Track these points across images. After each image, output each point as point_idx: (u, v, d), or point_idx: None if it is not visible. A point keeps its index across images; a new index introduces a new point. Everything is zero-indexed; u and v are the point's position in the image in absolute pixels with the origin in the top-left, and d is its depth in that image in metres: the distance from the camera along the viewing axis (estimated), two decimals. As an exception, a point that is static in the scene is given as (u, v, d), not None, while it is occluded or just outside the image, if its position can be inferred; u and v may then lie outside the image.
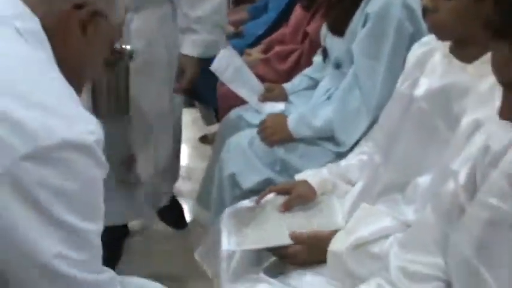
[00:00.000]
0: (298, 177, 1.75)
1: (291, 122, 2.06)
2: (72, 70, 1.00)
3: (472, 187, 1.12)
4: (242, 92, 2.32)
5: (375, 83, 1.89)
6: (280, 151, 2.07)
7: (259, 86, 2.35)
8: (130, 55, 1.94)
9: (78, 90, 1.02)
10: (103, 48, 1.07)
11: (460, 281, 1.12)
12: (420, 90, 1.42)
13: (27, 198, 0.84)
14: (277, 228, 1.57)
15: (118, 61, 1.90)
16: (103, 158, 0.92)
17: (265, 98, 2.32)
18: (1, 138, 0.83)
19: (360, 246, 1.39)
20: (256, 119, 2.22)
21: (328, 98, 2.11)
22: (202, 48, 2.20)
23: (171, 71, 2.24)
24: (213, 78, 2.46)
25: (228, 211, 1.73)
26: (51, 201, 0.85)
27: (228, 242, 1.58)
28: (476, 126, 1.16)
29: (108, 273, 0.98)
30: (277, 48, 2.68)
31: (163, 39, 2.18)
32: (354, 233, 1.41)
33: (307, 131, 2.03)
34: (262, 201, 1.70)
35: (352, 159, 1.74)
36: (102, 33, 1.04)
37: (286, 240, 1.52)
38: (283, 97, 2.31)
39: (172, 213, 2.69)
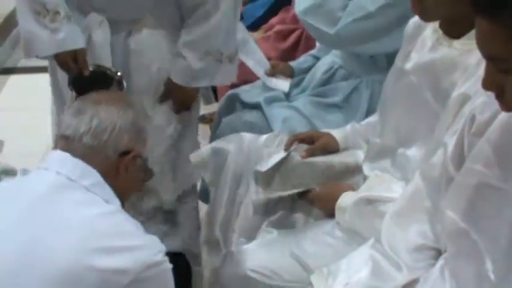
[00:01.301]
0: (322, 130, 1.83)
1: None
2: (118, 193, 1.33)
3: (460, 157, 1.18)
4: (250, 63, 2.32)
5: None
6: (276, 125, 2.10)
7: (265, 61, 2.36)
8: (119, 82, 1.88)
9: (123, 204, 1.36)
10: (139, 177, 1.42)
11: (451, 245, 1.18)
12: (410, 64, 1.47)
13: None
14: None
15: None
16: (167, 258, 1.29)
17: (271, 74, 2.33)
18: (109, 280, 1.19)
19: (367, 204, 1.46)
20: (252, 100, 2.26)
21: (332, 75, 2.15)
22: (189, 77, 1.98)
23: None
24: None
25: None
26: None
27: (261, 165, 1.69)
28: (464, 99, 1.21)
29: None
30: (278, 27, 2.72)
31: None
32: (362, 193, 1.49)
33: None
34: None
35: (372, 118, 1.79)
36: (139, 168, 1.39)
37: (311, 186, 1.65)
38: (288, 73, 2.34)
39: None
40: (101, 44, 1.95)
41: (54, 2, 1.86)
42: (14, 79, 3.96)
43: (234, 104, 2.33)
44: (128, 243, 1.23)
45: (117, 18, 1.96)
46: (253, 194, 1.68)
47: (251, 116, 2.18)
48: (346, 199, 1.51)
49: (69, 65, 1.91)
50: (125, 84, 1.90)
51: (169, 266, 1.29)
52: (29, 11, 1.87)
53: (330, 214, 1.55)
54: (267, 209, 1.68)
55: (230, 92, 2.42)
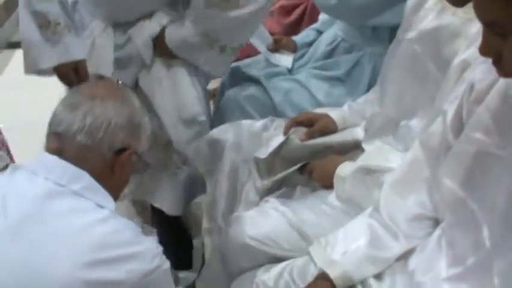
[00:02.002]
0: (319, 111, 1.82)
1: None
2: (112, 191, 1.28)
3: (459, 125, 1.18)
4: (252, 39, 2.27)
5: None
6: (278, 97, 2.11)
7: (268, 37, 2.35)
8: None
9: (115, 199, 1.30)
10: (132, 172, 1.37)
11: (449, 215, 1.18)
12: (413, 33, 1.47)
13: None
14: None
15: None
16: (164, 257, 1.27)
17: (274, 49, 2.32)
18: None
19: (366, 174, 1.46)
20: (253, 74, 2.24)
21: (334, 48, 2.14)
22: (176, 43, 1.95)
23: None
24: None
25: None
26: None
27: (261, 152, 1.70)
28: (465, 66, 1.21)
29: None
30: (282, 2, 2.71)
31: None
32: (361, 162, 1.49)
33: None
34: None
35: (369, 95, 1.79)
36: (133, 164, 1.34)
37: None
38: (291, 47, 2.33)
39: None
40: (104, 50, 1.95)
41: (56, 13, 1.85)
42: (20, 54, 3.96)
43: (237, 77, 2.33)
44: (121, 253, 1.19)
45: (122, 21, 1.95)
46: (258, 182, 1.69)
47: (253, 89, 2.17)
48: (344, 169, 1.51)
49: (70, 77, 1.88)
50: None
51: (167, 265, 1.27)
52: (33, 24, 1.85)
53: (327, 185, 1.56)
54: (270, 192, 1.69)
55: (233, 65, 2.42)
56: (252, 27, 2.01)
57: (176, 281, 2.02)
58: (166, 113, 2.01)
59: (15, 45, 4.00)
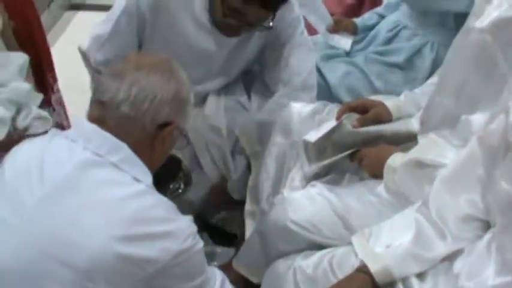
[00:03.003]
0: (374, 98, 1.77)
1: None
2: (149, 165, 1.26)
3: (522, 125, 1.11)
4: (311, 18, 2.25)
5: None
6: (334, 80, 2.06)
7: (328, 17, 2.29)
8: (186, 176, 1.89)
9: (152, 170, 1.27)
10: (172, 147, 1.35)
11: (502, 219, 1.12)
12: (484, 22, 1.38)
13: None
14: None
15: None
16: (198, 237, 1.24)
17: (334, 30, 2.26)
18: (135, 268, 1.14)
19: (417, 167, 1.40)
20: None
21: (396, 34, 2.07)
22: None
23: None
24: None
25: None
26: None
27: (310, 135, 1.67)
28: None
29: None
30: (344, -18, 2.64)
31: None
32: (413, 155, 1.44)
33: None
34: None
35: (427, 85, 1.73)
36: (175, 139, 1.33)
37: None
38: (352, 30, 2.27)
39: None
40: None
41: None
42: (81, 16, 4.01)
43: None
44: (156, 230, 1.16)
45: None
46: (305, 166, 1.66)
47: None
48: (396, 159, 1.46)
49: None
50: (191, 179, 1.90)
51: (200, 245, 1.24)
52: None
53: (376, 175, 1.51)
54: (317, 177, 1.65)
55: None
56: None
57: (213, 255, 2.02)
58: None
59: (77, 6, 4.05)
